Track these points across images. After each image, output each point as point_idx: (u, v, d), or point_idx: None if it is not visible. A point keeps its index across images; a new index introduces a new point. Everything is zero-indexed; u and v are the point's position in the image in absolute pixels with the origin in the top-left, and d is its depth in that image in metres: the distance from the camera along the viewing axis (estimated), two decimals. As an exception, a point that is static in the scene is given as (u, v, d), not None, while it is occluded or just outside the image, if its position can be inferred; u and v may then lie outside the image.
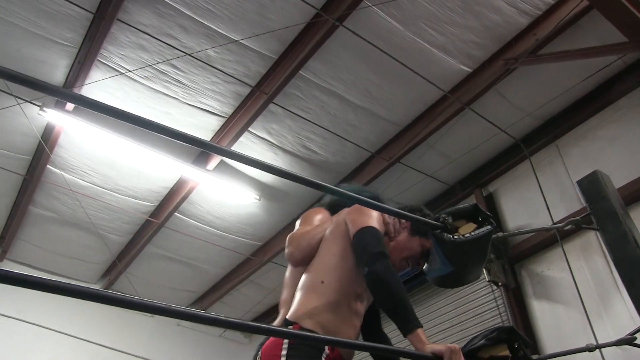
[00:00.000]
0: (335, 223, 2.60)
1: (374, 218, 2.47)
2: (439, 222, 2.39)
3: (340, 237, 2.50)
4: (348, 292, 2.39)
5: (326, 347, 2.21)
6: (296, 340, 2.20)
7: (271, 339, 2.30)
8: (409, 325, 2.11)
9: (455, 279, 2.52)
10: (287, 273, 2.83)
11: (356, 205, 2.55)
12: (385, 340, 2.73)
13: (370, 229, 2.40)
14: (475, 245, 2.33)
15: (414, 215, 2.39)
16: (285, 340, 2.21)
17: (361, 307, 2.48)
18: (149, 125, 1.77)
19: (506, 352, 2.17)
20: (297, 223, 2.94)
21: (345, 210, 2.62)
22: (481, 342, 2.18)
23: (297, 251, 2.65)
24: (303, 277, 2.52)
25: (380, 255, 2.27)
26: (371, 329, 2.72)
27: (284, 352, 2.17)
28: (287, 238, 2.75)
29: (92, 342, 7.84)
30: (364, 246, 2.33)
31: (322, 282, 2.40)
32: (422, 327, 2.13)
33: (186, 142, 1.91)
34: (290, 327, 2.27)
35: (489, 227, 2.37)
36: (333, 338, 2.06)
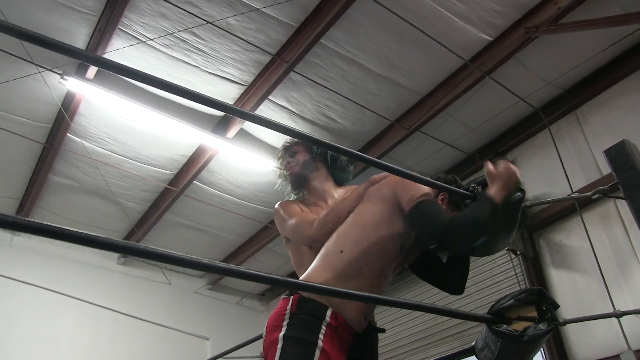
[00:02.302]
0: (372, 193, 2.49)
1: (424, 187, 2.38)
2: (469, 192, 2.39)
3: (378, 207, 2.40)
4: (371, 266, 2.33)
5: (328, 316, 2.18)
6: (297, 309, 2.19)
7: (275, 310, 2.28)
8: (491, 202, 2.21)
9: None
10: (300, 252, 2.79)
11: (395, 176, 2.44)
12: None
13: (430, 202, 2.32)
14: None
15: (447, 185, 2.38)
16: (287, 311, 2.20)
17: (385, 283, 2.43)
18: (173, 88, 1.78)
19: (534, 314, 2.18)
20: (282, 214, 2.85)
21: (382, 181, 2.51)
22: (510, 302, 2.20)
23: (324, 235, 2.54)
24: (323, 248, 2.46)
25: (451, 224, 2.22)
26: (440, 272, 2.64)
27: (285, 322, 2.18)
28: (309, 221, 2.67)
29: (112, 309, 7.96)
30: (431, 219, 2.25)
31: (341, 251, 2.33)
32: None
33: (208, 105, 1.90)
34: (291, 297, 2.25)
35: (519, 194, 2.37)
36: (342, 290, 2.02)
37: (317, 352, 2.09)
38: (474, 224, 2.18)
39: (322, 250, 2.44)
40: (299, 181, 2.96)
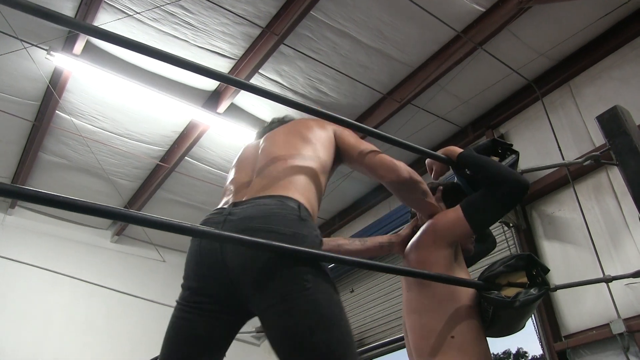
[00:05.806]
0: (426, 252, 2.32)
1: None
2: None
3: (446, 266, 2.25)
4: (481, 344, 2.19)
5: None
6: None
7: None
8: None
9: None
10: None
11: None
12: None
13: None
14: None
15: (430, 151, 2.34)
16: None
17: None
18: (168, 57, 1.75)
19: (524, 279, 2.16)
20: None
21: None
22: (499, 268, 2.18)
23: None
24: (424, 325, 2.20)
25: None
26: None
27: None
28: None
29: (106, 287, 7.94)
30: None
31: (452, 337, 2.11)
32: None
33: (203, 74, 1.88)
34: None
35: (513, 156, 2.35)
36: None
37: None
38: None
39: (427, 329, 2.18)
40: None
